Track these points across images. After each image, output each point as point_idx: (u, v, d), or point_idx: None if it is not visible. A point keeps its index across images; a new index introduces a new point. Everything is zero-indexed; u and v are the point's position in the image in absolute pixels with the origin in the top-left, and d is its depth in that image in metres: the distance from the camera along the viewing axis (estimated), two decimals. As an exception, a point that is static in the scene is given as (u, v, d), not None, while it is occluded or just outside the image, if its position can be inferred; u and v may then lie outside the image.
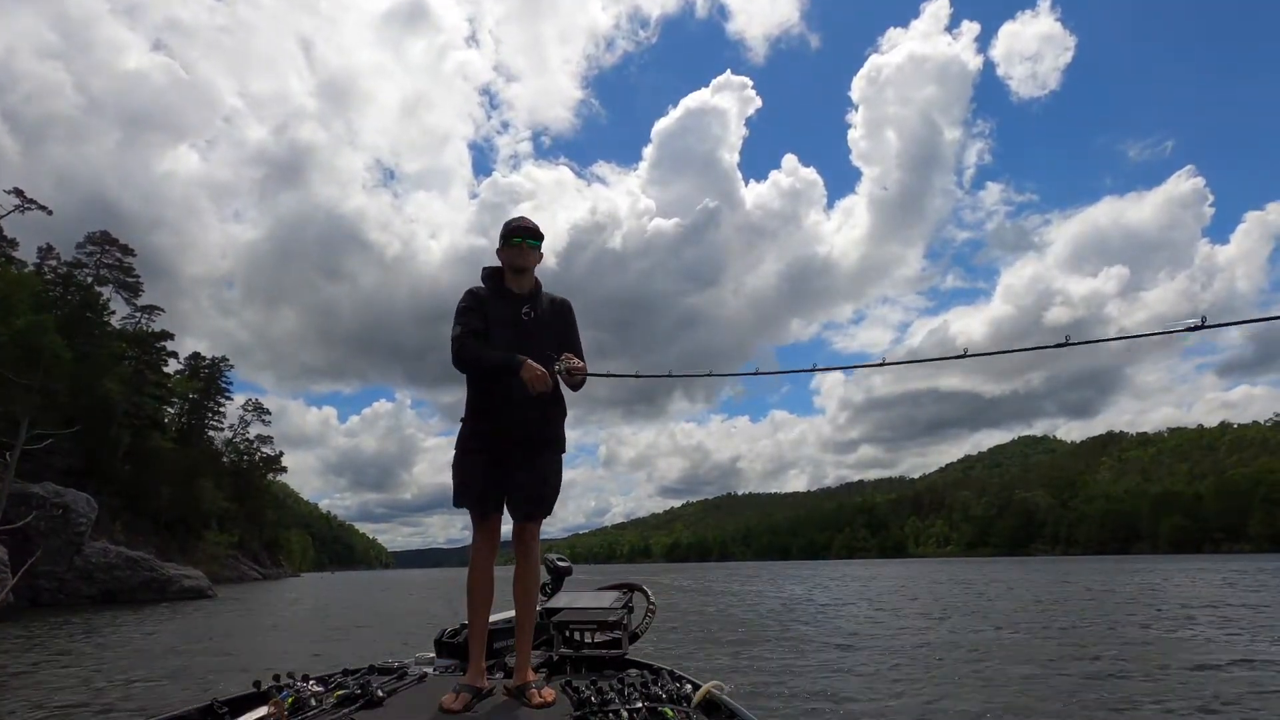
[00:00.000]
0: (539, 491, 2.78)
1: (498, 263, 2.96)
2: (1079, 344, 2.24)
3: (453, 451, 2.88)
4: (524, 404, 2.72)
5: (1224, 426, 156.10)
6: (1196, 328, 1.99)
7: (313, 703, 2.34)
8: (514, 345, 2.72)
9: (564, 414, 2.92)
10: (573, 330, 2.97)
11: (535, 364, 2.62)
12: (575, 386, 2.89)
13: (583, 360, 2.85)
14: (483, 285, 2.93)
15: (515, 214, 3.05)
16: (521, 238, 2.86)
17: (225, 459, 61.34)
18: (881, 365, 2.67)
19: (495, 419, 2.75)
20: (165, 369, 51.24)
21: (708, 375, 2.96)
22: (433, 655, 3.42)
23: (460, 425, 2.86)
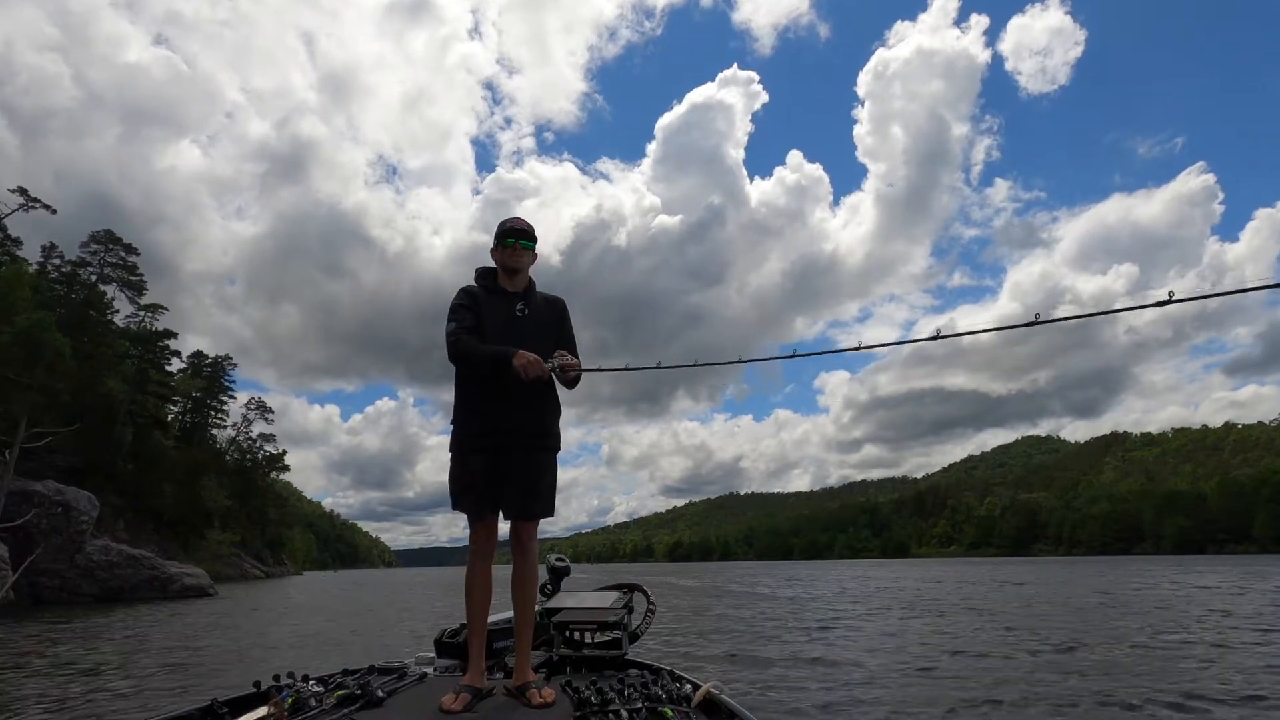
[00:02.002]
0: (534, 491, 2.77)
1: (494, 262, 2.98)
2: (1044, 322, 2.30)
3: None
4: (518, 402, 2.73)
5: (1229, 427, 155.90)
6: (1165, 303, 2.05)
7: (313, 703, 2.35)
8: (508, 342, 2.73)
9: (559, 412, 2.92)
10: (567, 328, 2.98)
11: (528, 352, 2.63)
12: (570, 384, 2.90)
13: (577, 358, 2.85)
14: (476, 284, 2.95)
15: (519, 211, 3.07)
16: (515, 239, 2.88)
17: (228, 457, 61.48)
18: (858, 349, 2.71)
19: (489, 417, 2.75)
20: (168, 368, 51.43)
21: (694, 365, 3.00)
22: (433, 655, 3.43)
23: (452, 426, 2.85)
